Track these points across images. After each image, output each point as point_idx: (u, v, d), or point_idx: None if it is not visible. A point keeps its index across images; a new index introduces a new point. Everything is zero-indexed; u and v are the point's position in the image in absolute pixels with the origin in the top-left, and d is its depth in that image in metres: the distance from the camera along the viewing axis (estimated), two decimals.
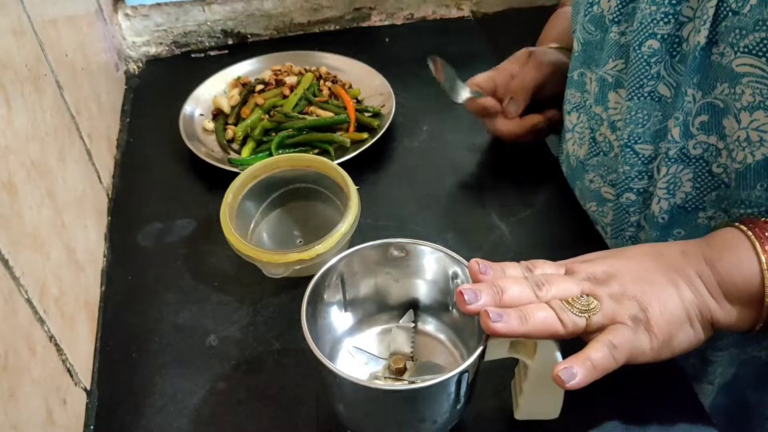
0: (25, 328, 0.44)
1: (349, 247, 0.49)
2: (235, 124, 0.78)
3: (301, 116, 0.76)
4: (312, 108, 0.78)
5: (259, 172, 0.64)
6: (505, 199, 0.71)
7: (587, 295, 0.44)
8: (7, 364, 0.40)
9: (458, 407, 0.45)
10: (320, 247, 0.57)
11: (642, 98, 0.55)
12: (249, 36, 0.96)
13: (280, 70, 0.85)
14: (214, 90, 0.84)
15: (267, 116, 0.77)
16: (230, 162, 0.72)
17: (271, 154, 0.72)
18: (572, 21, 0.64)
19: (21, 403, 0.42)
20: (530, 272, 0.46)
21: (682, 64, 0.52)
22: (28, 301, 0.45)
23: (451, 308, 0.51)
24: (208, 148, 0.76)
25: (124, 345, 0.58)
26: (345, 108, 0.78)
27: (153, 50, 0.94)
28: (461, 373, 0.41)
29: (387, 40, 0.97)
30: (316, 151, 0.75)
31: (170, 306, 0.61)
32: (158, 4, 0.90)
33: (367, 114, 0.79)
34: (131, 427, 0.52)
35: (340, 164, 0.64)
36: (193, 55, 0.95)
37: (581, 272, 0.46)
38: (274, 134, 0.75)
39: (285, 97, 0.80)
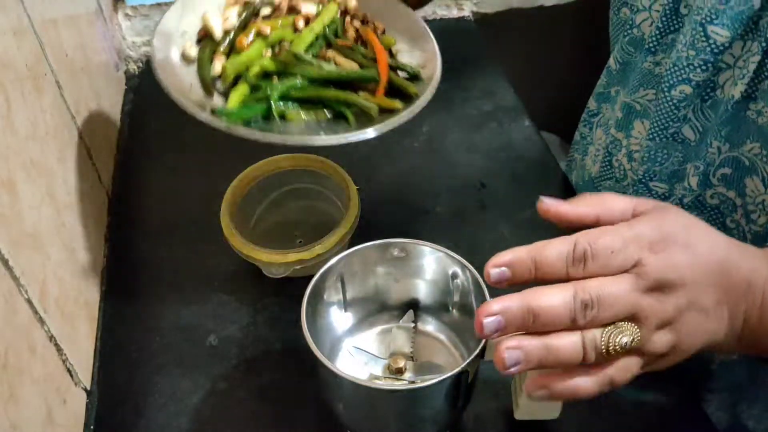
0: (25, 328, 0.44)
1: (349, 247, 0.49)
2: (227, 56, 0.57)
3: (315, 61, 0.56)
4: (331, 53, 0.58)
5: (260, 172, 0.64)
6: (506, 200, 0.71)
7: (632, 328, 0.35)
8: (7, 364, 0.40)
9: (458, 407, 0.45)
10: (320, 247, 0.57)
11: (664, 139, 0.53)
12: None
13: None
14: (206, 6, 0.60)
15: (270, 53, 0.57)
16: (214, 113, 0.52)
17: (269, 107, 0.53)
18: (611, 40, 0.62)
19: (21, 403, 0.42)
20: (582, 264, 0.35)
21: (713, 111, 0.49)
22: (28, 301, 0.45)
23: (451, 308, 0.51)
24: (183, 86, 0.54)
25: (124, 345, 0.58)
26: (375, 60, 0.57)
27: None
28: (461, 373, 0.41)
29: None
30: (330, 112, 0.56)
31: (170, 306, 0.61)
32: (158, 4, 0.90)
33: (402, 75, 0.58)
34: (131, 427, 0.52)
35: (357, 142, 0.52)
36: None
37: (651, 272, 0.35)
38: (276, 80, 0.55)
39: (297, 30, 0.59)
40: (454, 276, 0.49)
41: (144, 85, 0.89)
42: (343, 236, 0.58)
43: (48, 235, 0.51)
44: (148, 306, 0.61)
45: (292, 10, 0.61)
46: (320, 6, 0.61)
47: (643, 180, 0.56)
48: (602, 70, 0.64)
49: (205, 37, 0.58)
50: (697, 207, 0.53)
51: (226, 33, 0.58)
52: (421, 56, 0.60)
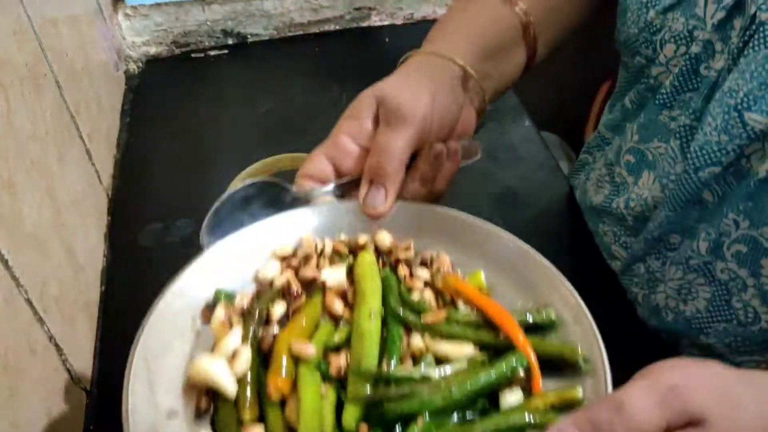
0: (25, 328, 0.44)
1: None
2: (264, 423, 0.35)
3: (416, 371, 0.35)
4: (418, 341, 0.37)
5: (260, 172, 0.64)
6: (505, 199, 0.71)
7: None
8: (7, 364, 0.40)
9: None
10: None
11: (682, 208, 0.49)
12: (249, 36, 0.96)
13: (292, 257, 0.43)
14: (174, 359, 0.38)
15: (325, 380, 0.36)
16: None
17: None
18: (622, 80, 0.59)
19: (21, 403, 0.42)
20: None
21: (735, 179, 0.46)
22: (28, 301, 0.45)
23: None
24: None
25: (124, 345, 0.58)
26: (488, 325, 0.38)
27: (153, 50, 0.94)
28: None
29: (387, 40, 0.97)
30: None
31: None
32: (158, 4, 0.90)
33: (536, 333, 0.38)
34: None
35: None
36: (193, 55, 0.94)
37: None
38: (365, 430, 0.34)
39: (337, 320, 0.39)
40: None
41: (144, 85, 0.89)
42: None
43: (48, 235, 0.51)
44: (148, 306, 0.61)
45: (309, 286, 0.40)
46: (346, 260, 0.42)
47: (656, 236, 0.53)
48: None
49: (209, 400, 0.36)
50: (704, 275, 0.50)
51: (242, 381, 0.36)
52: (529, 291, 0.40)
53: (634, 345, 0.57)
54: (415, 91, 0.45)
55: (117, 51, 0.88)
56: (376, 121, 0.45)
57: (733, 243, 0.47)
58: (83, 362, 0.54)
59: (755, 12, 0.42)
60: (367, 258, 0.40)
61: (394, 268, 0.41)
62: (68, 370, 0.51)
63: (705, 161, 0.45)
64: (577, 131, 1.33)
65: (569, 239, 0.67)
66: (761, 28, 0.42)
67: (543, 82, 1.33)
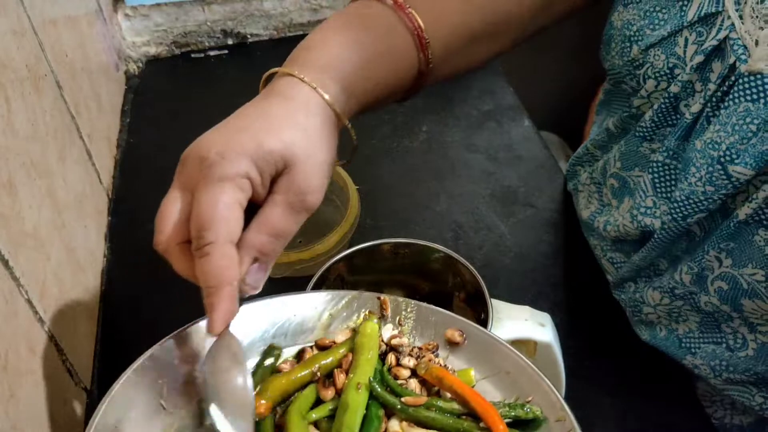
0: (25, 328, 0.44)
1: (349, 247, 0.49)
2: None
3: None
4: (395, 425, 0.37)
5: None
6: (505, 199, 0.71)
7: None
8: (7, 364, 0.40)
9: None
10: (320, 247, 0.57)
11: (669, 242, 0.50)
12: (249, 36, 0.96)
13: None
14: None
15: None
16: None
17: None
18: (607, 101, 0.60)
19: (21, 403, 0.42)
20: None
21: (722, 216, 0.46)
22: (28, 301, 0.45)
23: (452, 308, 0.51)
24: None
25: (124, 345, 0.58)
26: (473, 418, 0.37)
27: (153, 50, 0.94)
28: None
29: None
30: None
31: (170, 306, 0.61)
32: (158, 4, 0.90)
33: (518, 429, 0.37)
34: None
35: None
36: (193, 55, 0.95)
37: None
38: None
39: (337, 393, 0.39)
40: (455, 275, 0.49)
41: (144, 85, 0.89)
42: (343, 236, 0.58)
43: (48, 235, 0.51)
44: (148, 306, 0.61)
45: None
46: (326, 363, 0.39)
47: (644, 265, 0.54)
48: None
49: None
50: (690, 303, 0.51)
51: None
52: (513, 386, 0.39)
53: (630, 352, 0.57)
54: (322, 169, 0.39)
55: (117, 51, 0.88)
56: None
57: (716, 279, 0.47)
58: (83, 362, 0.54)
59: (734, 62, 0.42)
60: (369, 328, 0.40)
61: (382, 355, 0.40)
62: (68, 370, 0.51)
63: (693, 210, 0.46)
64: (577, 131, 1.33)
65: (568, 240, 0.67)
66: (740, 80, 0.41)
67: (543, 82, 1.33)
